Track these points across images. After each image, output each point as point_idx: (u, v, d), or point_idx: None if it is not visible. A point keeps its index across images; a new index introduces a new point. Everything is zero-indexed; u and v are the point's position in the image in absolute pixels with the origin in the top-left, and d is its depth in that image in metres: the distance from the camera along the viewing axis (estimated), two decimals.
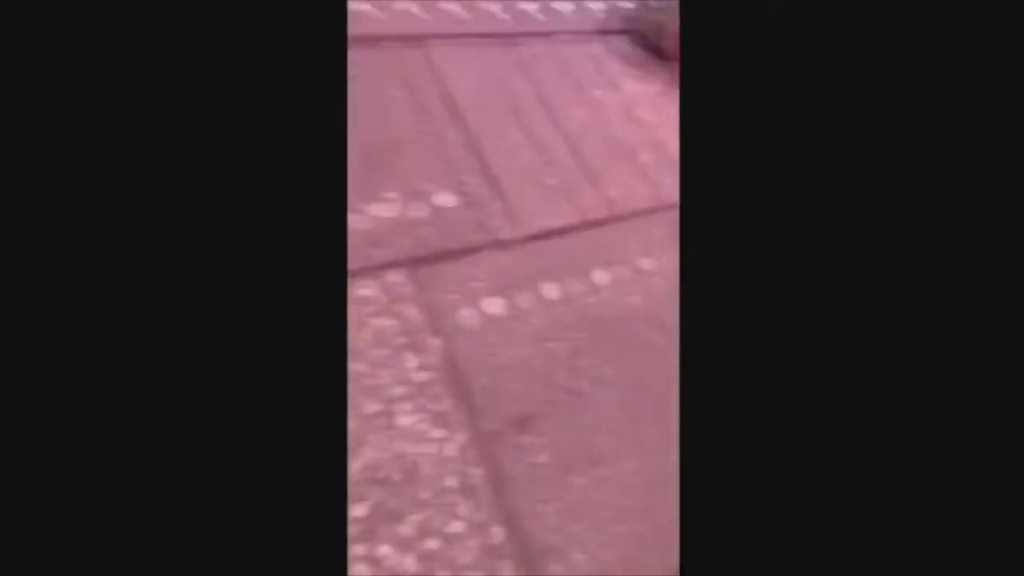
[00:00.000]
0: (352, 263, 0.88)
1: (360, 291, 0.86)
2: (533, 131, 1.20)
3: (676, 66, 1.41)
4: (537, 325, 0.94)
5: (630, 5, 1.50)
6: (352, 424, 0.74)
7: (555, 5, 1.43)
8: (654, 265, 1.07)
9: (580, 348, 0.94)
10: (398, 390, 0.80)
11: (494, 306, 0.93)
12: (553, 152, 1.18)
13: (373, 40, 1.20)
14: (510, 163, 1.13)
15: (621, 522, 0.77)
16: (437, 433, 0.78)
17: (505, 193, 1.08)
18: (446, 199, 1.03)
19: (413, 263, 0.92)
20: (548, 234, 1.05)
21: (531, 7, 1.40)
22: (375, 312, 0.85)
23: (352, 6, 1.21)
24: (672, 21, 1.39)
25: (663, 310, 1.01)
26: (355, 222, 0.94)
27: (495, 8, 1.37)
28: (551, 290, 0.98)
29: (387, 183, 1.01)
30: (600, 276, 1.03)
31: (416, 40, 1.23)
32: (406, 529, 0.69)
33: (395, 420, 0.77)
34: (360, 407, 0.76)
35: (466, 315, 0.90)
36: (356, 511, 0.68)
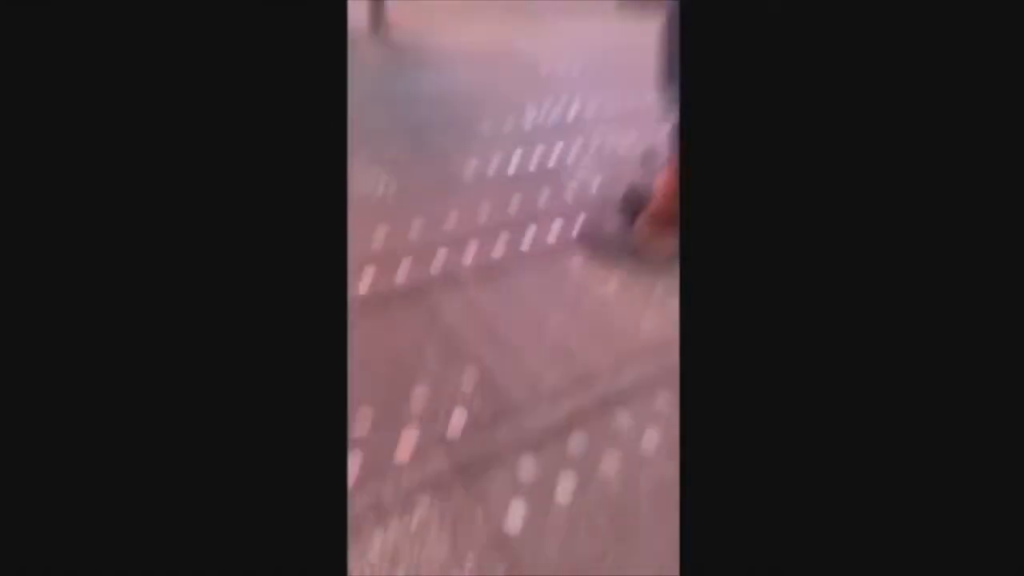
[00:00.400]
0: (384, 499, 0.98)
1: (397, 523, 0.95)
2: (524, 347, 1.39)
3: (640, 258, 1.70)
4: (559, 524, 1.01)
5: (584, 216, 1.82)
6: None
7: (521, 244, 1.75)
8: (655, 440, 1.18)
9: (605, 541, 0.99)
10: None
11: (516, 517, 1.01)
12: (543, 360, 1.36)
13: (381, 300, 1.45)
14: (509, 380, 1.29)
15: None
16: None
17: (509, 407, 1.23)
18: (456, 422, 1.17)
19: (438, 489, 1.03)
20: (553, 433, 1.17)
21: (498, 252, 1.71)
22: (410, 543, 0.93)
23: (362, 280, 1.49)
24: (620, 226, 1.69)
25: (674, 484, 1.08)
26: (378, 464, 1.06)
27: (471, 254, 1.68)
28: (565, 490, 1.07)
29: (405, 421, 1.16)
30: (608, 464, 1.13)
31: (415, 294, 1.50)
32: None
33: None
34: None
35: (493, 531, 0.98)
36: None
